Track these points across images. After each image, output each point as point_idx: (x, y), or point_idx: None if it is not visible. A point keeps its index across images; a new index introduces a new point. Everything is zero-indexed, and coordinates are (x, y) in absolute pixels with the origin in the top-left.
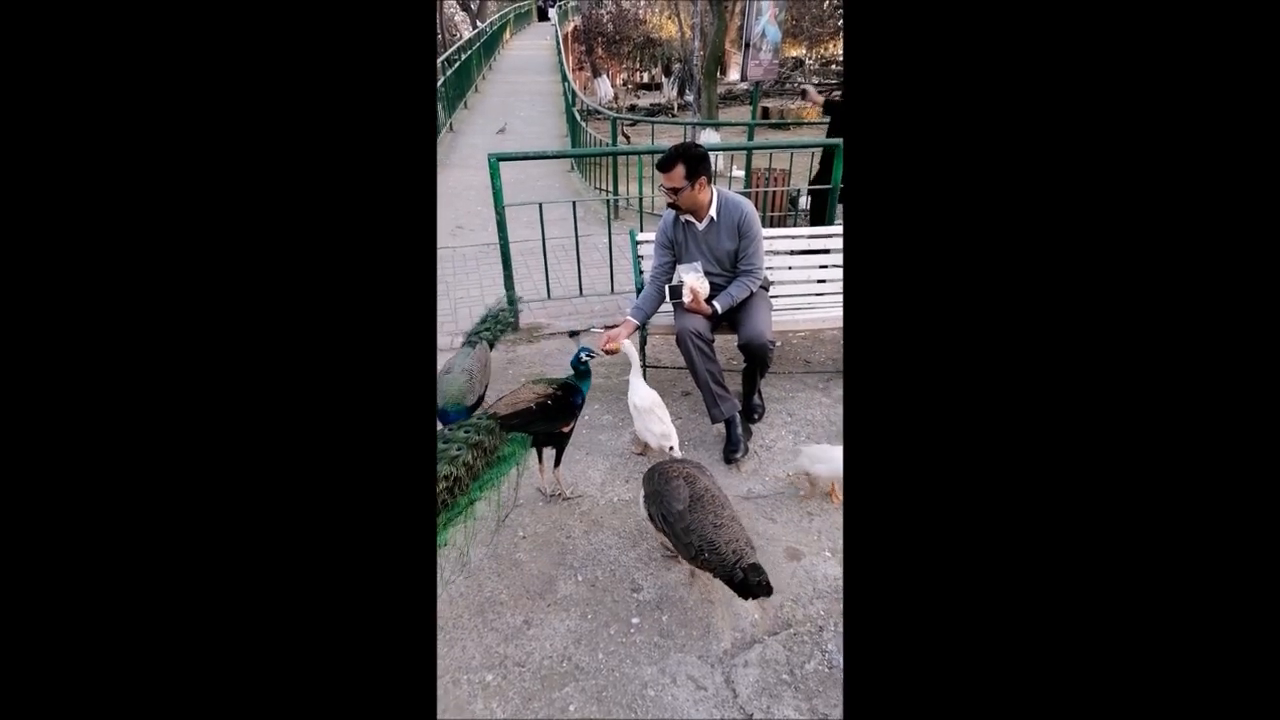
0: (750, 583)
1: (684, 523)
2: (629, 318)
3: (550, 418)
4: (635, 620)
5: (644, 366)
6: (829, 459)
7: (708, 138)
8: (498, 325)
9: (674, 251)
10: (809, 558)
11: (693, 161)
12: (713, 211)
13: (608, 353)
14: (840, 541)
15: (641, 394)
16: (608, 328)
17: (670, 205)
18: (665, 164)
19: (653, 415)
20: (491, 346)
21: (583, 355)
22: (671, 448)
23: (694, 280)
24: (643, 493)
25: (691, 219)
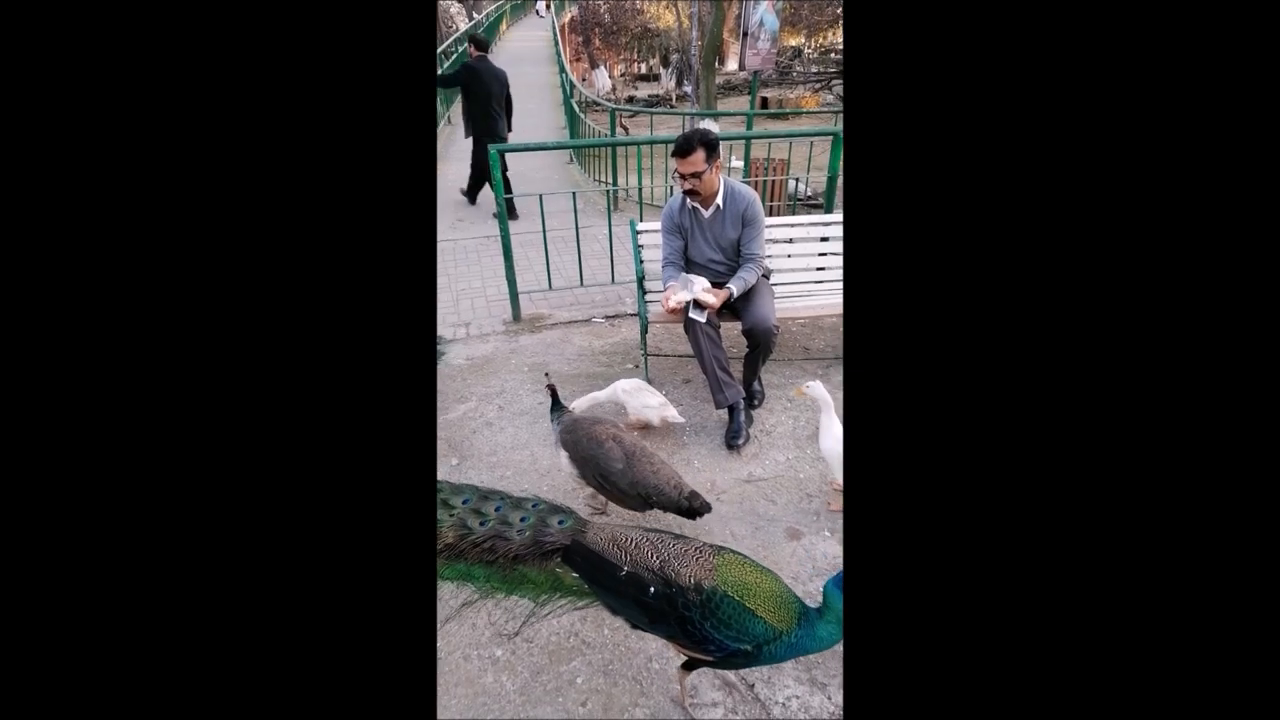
0: (695, 506)
1: (627, 479)
2: (672, 281)
3: (647, 609)
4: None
5: (645, 355)
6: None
7: (706, 128)
8: None
9: (682, 235)
10: (808, 537)
11: (710, 144)
12: (720, 200)
13: (671, 309)
14: (838, 522)
15: (623, 382)
16: (609, 318)
17: (689, 192)
18: (684, 149)
19: (644, 392)
20: None
21: None
22: (672, 417)
23: (698, 290)
24: (565, 455)
25: (699, 206)
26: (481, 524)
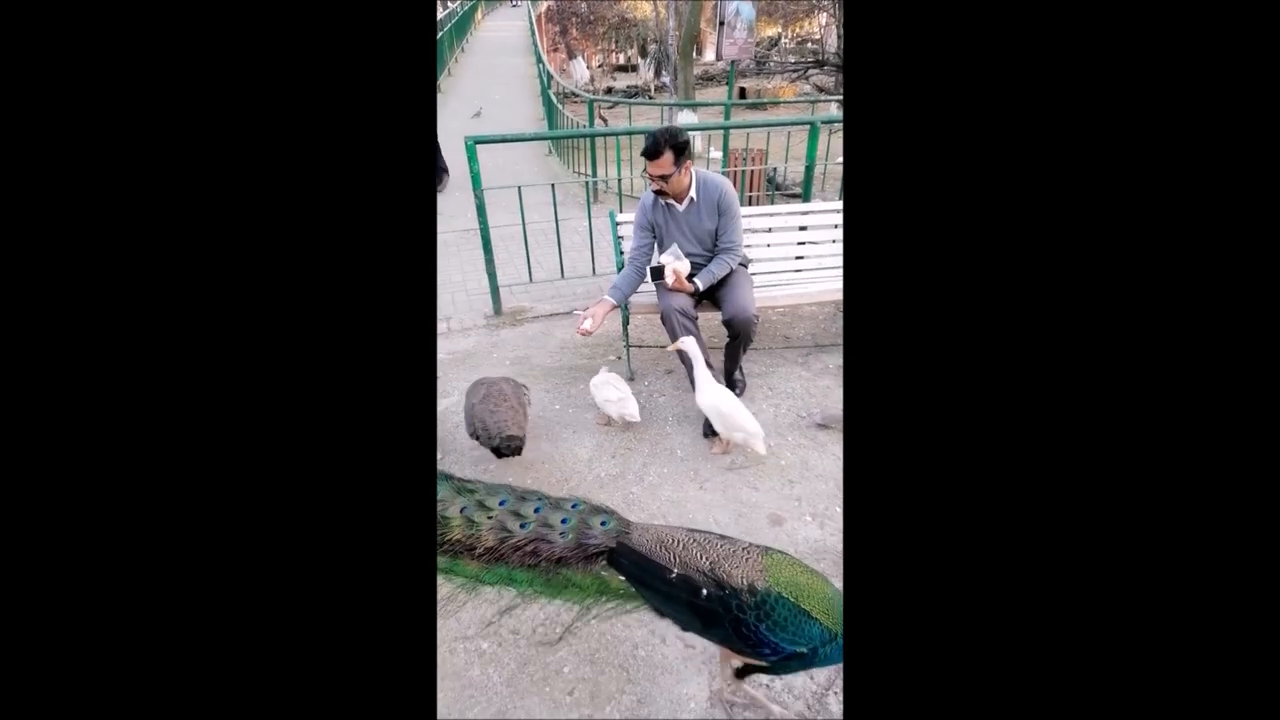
0: (501, 448)
1: (473, 413)
2: (606, 298)
3: (700, 612)
4: None
5: (627, 347)
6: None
7: (685, 119)
8: None
9: (654, 233)
10: (790, 522)
11: (679, 146)
12: (692, 192)
13: (582, 334)
14: (819, 506)
15: (596, 377)
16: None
17: (658, 192)
18: (652, 151)
19: (607, 386)
20: None
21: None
22: (630, 414)
23: (674, 261)
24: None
25: (672, 201)
26: (522, 526)
